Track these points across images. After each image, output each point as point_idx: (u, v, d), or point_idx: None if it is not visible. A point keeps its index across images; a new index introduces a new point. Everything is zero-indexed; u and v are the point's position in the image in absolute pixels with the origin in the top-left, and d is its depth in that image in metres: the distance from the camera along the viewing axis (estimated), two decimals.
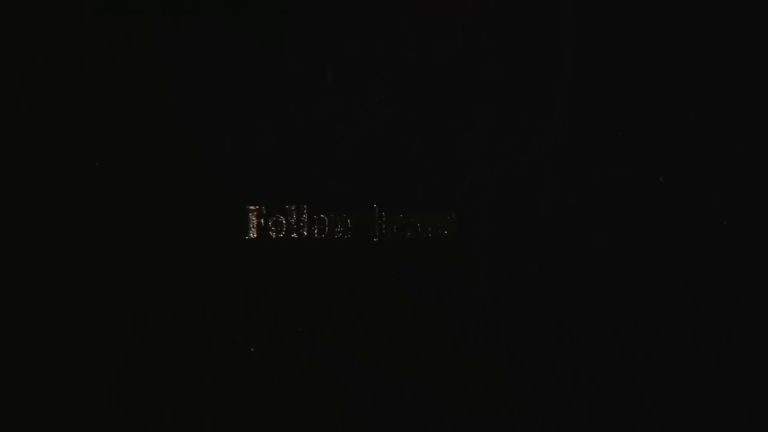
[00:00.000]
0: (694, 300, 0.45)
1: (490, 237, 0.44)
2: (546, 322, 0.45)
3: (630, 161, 0.45)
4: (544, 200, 0.44)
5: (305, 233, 0.43)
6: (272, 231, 0.43)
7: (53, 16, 0.42)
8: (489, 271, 0.44)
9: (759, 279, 0.45)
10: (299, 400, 0.44)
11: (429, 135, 0.44)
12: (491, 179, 0.44)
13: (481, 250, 0.44)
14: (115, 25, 0.42)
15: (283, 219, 0.43)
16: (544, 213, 0.44)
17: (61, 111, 0.42)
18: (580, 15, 0.44)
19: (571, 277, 0.45)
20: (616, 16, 0.45)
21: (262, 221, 0.43)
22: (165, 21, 0.43)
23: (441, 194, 0.44)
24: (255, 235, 0.43)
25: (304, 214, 0.43)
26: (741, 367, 0.46)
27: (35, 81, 0.42)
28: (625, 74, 0.45)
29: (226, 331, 0.43)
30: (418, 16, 0.44)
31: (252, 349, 0.43)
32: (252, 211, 0.43)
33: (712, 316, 0.45)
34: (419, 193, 0.44)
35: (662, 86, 0.45)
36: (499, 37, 0.44)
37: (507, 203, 0.44)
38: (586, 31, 0.44)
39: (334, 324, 0.44)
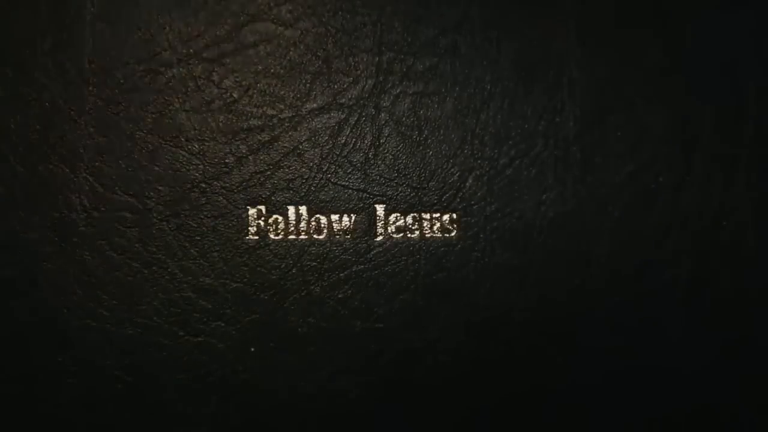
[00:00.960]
0: (695, 299, 0.45)
1: (491, 237, 0.44)
2: (547, 322, 0.45)
3: (630, 161, 0.45)
4: (546, 200, 0.44)
5: (305, 233, 0.43)
6: (271, 231, 0.43)
7: None
8: (490, 271, 0.44)
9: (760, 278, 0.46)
10: (299, 400, 0.44)
11: (430, 135, 0.44)
12: (493, 179, 0.44)
13: (483, 250, 0.44)
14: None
15: (283, 219, 0.43)
16: (546, 213, 0.44)
17: (62, 110, 0.42)
18: (583, 17, 0.44)
19: (572, 276, 0.45)
20: (617, 16, 0.45)
21: (262, 221, 0.43)
22: (163, 15, 0.43)
23: (441, 194, 0.44)
24: (255, 235, 0.43)
25: (304, 214, 0.44)
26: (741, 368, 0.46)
27: None
28: (626, 73, 0.45)
29: (226, 331, 0.43)
30: (420, 17, 0.44)
31: (252, 349, 0.43)
32: (252, 211, 0.43)
33: (712, 316, 0.45)
34: (419, 193, 0.44)
35: (662, 85, 0.45)
36: (501, 42, 0.44)
37: (508, 203, 0.44)
38: (589, 31, 0.45)
39: (335, 324, 0.44)
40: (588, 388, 0.45)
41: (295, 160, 0.43)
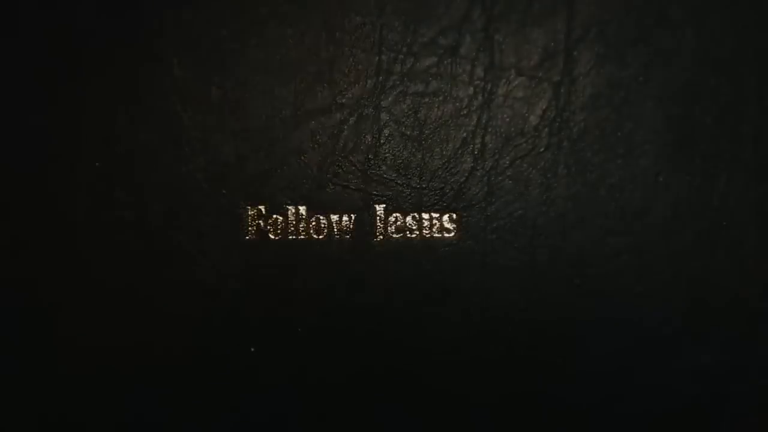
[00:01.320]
0: (695, 299, 0.45)
1: (491, 237, 0.44)
2: (547, 322, 0.45)
3: (630, 161, 0.45)
4: (546, 200, 0.44)
5: (305, 233, 0.43)
6: (272, 231, 0.43)
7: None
8: (490, 271, 0.44)
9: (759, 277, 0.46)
10: (299, 400, 0.44)
11: (429, 135, 0.44)
12: (494, 179, 0.44)
13: (483, 250, 0.44)
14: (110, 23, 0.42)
15: (283, 219, 0.43)
16: (546, 213, 0.44)
17: (62, 110, 0.42)
18: (584, 16, 0.44)
19: (572, 276, 0.45)
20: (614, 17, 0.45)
21: (262, 221, 0.43)
22: (163, 15, 0.43)
23: (441, 194, 0.44)
24: (255, 235, 0.43)
25: (304, 214, 0.44)
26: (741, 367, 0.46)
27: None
28: (627, 73, 0.45)
29: (226, 331, 0.43)
30: (420, 17, 0.44)
31: (252, 349, 0.43)
32: (252, 211, 0.43)
33: (713, 316, 0.45)
34: (419, 193, 0.44)
35: (663, 85, 0.45)
36: (501, 42, 0.44)
37: (509, 203, 0.44)
38: (590, 31, 0.45)
39: (334, 324, 0.44)
40: (588, 389, 0.45)
41: (295, 160, 0.43)
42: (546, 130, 0.44)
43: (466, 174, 0.44)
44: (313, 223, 0.44)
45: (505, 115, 0.44)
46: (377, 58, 0.44)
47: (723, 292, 0.45)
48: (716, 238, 0.45)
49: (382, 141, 0.44)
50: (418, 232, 0.44)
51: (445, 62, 0.44)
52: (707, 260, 0.45)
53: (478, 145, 0.44)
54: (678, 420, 0.46)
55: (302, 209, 0.44)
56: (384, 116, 0.44)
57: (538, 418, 0.45)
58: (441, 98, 0.44)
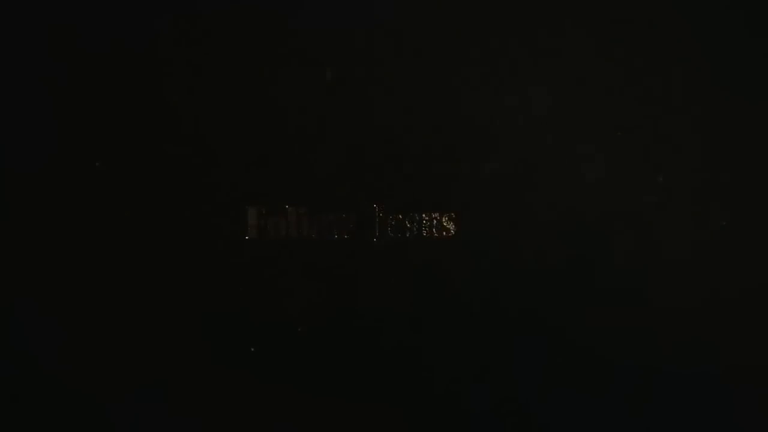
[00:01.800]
0: (696, 299, 0.45)
1: (490, 237, 0.44)
2: (546, 322, 0.45)
3: (630, 161, 0.45)
4: (543, 200, 0.44)
5: (305, 233, 0.44)
6: (272, 231, 0.43)
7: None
8: (489, 270, 0.44)
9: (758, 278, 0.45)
10: (299, 400, 0.44)
11: (429, 135, 0.44)
12: (492, 179, 0.44)
13: (482, 250, 0.44)
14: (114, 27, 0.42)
15: (283, 219, 0.43)
16: (543, 213, 0.44)
17: (63, 110, 0.42)
18: (585, 17, 0.45)
19: (573, 277, 0.45)
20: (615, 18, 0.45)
21: (262, 221, 0.43)
22: (164, 20, 0.43)
23: (441, 194, 0.44)
24: (255, 235, 0.43)
25: (304, 214, 0.44)
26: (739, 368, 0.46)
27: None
28: (627, 74, 0.45)
29: (226, 331, 0.43)
30: (417, 15, 0.44)
31: (252, 349, 0.43)
32: (252, 211, 0.43)
33: (713, 316, 0.45)
34: (419, 193, 0.44)
35: (663, 86, 0.45)
36: (498, 39, 0.44)
37: (507, 202, 0.44)
38: (591, 32, 0.45)
39: (334, 324, 0.44)
40: (588, 389, 0.45)
41: (296, 160, 0.43)
42: (547, 130, 0.44)
43: (466, 174, 0.44)
44: (313, 223, 0.44)
45: (505, 115, 0.44)
46: (377, 58, 0.44)
47: (723, 292, 0.45)
48: (716, 238, 0.45)
49: (382, 141, 0.44)
50: (417, 232, 0.44)
51: (447, 63, 0.44)
52: (707, 260, 0.45)
53: (478, 145, 0.44)
54: (682, 420, 0.46)
55: (302, 209, 0.44)
56: (384, 117, 0.44)
57: (538, 418, 0.45)
58: (441, 99, 0.44)
